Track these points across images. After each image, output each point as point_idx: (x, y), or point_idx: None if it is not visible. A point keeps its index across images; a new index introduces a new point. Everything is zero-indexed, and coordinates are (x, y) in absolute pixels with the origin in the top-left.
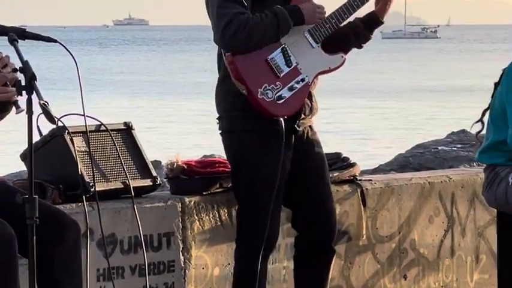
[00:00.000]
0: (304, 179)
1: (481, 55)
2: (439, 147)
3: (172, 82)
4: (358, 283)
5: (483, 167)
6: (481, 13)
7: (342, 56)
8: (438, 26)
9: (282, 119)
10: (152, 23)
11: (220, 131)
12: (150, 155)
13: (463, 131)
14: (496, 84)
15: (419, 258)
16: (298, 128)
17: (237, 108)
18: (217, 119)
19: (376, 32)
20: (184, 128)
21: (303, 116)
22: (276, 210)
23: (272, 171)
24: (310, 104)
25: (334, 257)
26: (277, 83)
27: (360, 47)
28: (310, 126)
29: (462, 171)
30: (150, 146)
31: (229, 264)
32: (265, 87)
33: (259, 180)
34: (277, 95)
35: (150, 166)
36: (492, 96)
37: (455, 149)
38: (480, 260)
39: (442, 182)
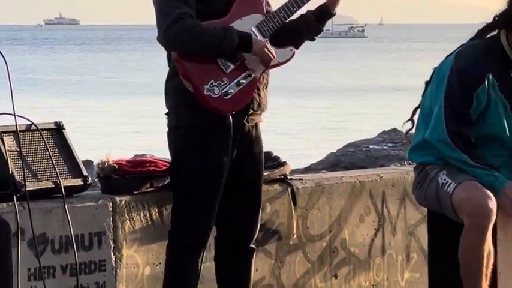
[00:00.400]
0: (241, 179)
1: (412, 54)
2: (370, 146)
3: (103, 81)
4: (288, 282)
5: (414, 166)
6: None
7: (291, 50)
8: (366, 25)
9: (230, 114)
10: (83, 23)
11: (168, 129)
12: (81, 155)
13: (394, 130)
14: (427, 83)
15: (350, 257)
16: (246, 124)
17: (184, 104)
18: (165, 114)
19: None
20: (115, 127)
21: (251, 111)
22: (214, 206)
23: (217, 168)
24: (258, 100)
25: (263, 255)
26: (224, 79)
27: (312, 39)
28: (256, 124)
29: (393, 170)
30: (81, 145)
31: (160, 263)
32: (212, 83)
33: (202, 177)
34: (223, 91)
35: (81, 166)
36: (423, 95)
37: (386, 148)
38: (411, 258)
39: (372, 180)
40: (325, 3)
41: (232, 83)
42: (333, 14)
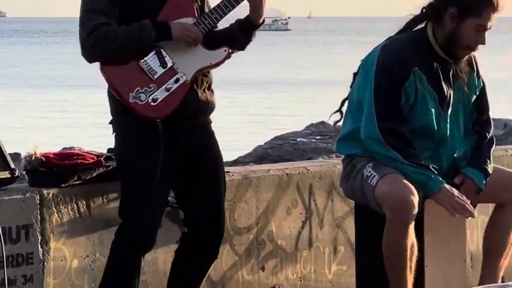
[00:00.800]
0: (197, 179)
1: (338, 47)
2: (298, 139)
3: (31, 74)
4: (216, 274)
5: (341, 158)
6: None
7: (226, 50)
8: (289, 17)
9: (161, 119)
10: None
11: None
12: (8, 148)
13: (322, 123)
14: (355, 75)
15: (277, 249)
16: (182, 127)
17: (122, 110)
18: (109, 123)
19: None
20: (43, 120)
21: (186, 114)
22: (156, 207)
23: (150, 170)
24: (201, 101)
25: None
26: (151, 86)
27: (242, 49)
28: (205, 125)
29: (320, 162)
30: (9, 138)
31: (87, 256)
32: (138, 90)
33: (137, 178)
34: (151, 97)
35: (8, 158)
36: (351, 86)
37: (314, 140)
38: (338, 251)
39: (299, 173)
40: (248, 17)
41: (161, 89)
42: (258, 26)
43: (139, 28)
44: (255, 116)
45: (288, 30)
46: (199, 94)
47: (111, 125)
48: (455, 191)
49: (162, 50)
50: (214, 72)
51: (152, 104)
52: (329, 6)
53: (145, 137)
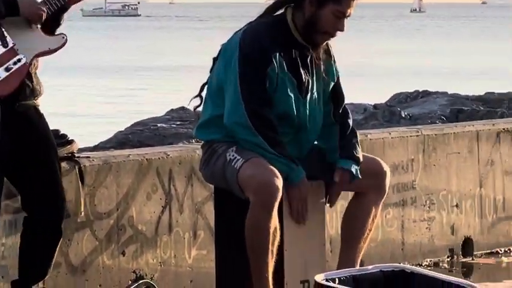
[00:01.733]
0: (29, 162)
1: (198, 33)
2: (159, 125)
3: None
4: (76, 259)
5: (201, 144)
6: None
7: (63, 37)
8: (139, 2)
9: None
10: None
11: None
12: None
13: (182, 108)
14: (215, 59)
15: (137, 234)
16: (18, 110)
17: None
18: None
19: (77, 11)
20: None
21: (24, 97)
22: None
23: None
24: (31, 86)
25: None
26: None
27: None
28: (35, 108)
29: (180, 147)
30: None
31: None
32: None
33: None
34: None
35: None
36: (210, 71)
37: (174, 126)
38: (198, 236)
39: (159, 158)
40: None
41: (1, 68)
42: (66, 9)
43: None
44: (114, 103)
45: (137, 15)
46: (33, 77)
47: None
48: (305, 193)
49: (3, 30)
50: (66, 57)
51: None
52: None
53: None
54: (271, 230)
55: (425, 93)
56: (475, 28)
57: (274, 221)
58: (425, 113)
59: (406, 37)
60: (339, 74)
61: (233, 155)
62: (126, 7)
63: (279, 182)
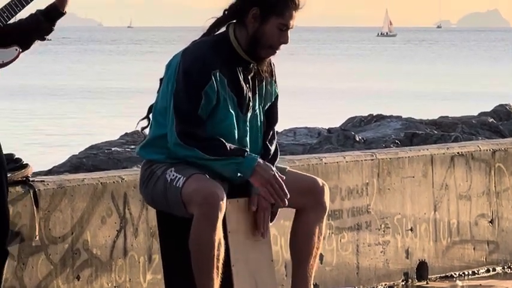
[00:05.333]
0: None
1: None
2: (113, 148)
3: None
4: (31, 284)
5: (142, 162)
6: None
7: (16, 49)
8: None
9: None
10: None
11: None
12: None
13: (136, 132)
14: (161, 80)
15: (92, 258)
16: None
17: None
18: None
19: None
20: None
21: None
22: None
23: None
24: None
25: (8, 258)
26: None
27: (43, 39)
28: None
29: (135, 171)
30: None
31: None
32: None
33: None
34: None
35: None
36: (158, 92)
37: (128, 149)
38: (153, 260)
39: (114, 182)
40: (54, 3)
41: None
42: (63, 14)
43: None
44: (69, 126)
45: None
46: None
47: None
48: (269, 173)
49: None
50: (17, 78)
51: None
52: (150, 17)
53: None
54: (216, 244)
55: (380, 117)
56: (429, 52)
57: (219, 234)
58: (379, 136)
59: (366, 61)
60: (278, 96)
61: (173, 175)
62: None
63: (223, 194)
